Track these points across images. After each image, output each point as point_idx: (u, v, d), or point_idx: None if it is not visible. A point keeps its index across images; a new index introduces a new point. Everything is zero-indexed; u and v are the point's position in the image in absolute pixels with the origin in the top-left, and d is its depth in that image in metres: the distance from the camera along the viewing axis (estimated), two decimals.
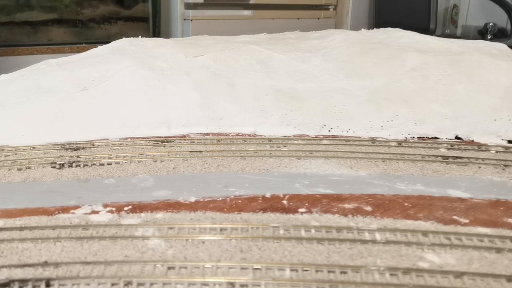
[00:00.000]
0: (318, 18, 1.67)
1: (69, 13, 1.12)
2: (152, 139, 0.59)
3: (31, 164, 0.51)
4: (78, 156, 0.53)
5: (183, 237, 0.37)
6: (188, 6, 1.28)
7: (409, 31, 0.82)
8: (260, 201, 0.43)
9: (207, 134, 0.62)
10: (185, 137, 0.60)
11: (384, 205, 0.43)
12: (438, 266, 0.34)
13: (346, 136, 0.61)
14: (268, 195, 0.45)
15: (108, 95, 0.63)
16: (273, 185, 0.47)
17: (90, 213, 0.41)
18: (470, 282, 0.32)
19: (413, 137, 0.62)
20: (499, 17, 1.54)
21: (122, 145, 0.57)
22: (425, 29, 1.47)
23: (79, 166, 0.51)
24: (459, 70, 0.68)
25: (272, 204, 0.43)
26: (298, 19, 1.60)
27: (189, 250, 0.35)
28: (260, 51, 0.73)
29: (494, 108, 0.62)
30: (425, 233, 0.38)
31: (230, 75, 0.68)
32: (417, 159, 0.54)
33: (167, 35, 1.28)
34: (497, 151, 0.57)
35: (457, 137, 0.62)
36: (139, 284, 0.32)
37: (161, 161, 0.53)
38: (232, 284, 0.32)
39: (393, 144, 0.59)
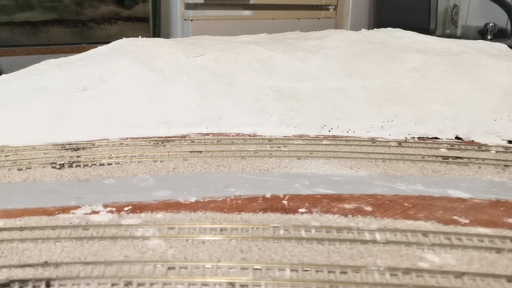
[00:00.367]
0: (318, 18, 1.67)
1: (69, 13, 1.12)
2: (152, 139, 0.59)
3: (31, 164, 0.51)
4: (78, 156, 0.53)
5: (183, 237, 0.37)
6: (188, 6, 1.28)
7: (409, 31, 0.82)
8: (260, 201, 0.43)
9: (207, 134, 0.62)
10: (185, 137, 0.60)
11: (384, 205, 0.43)
12: (438, 266, 0.34)
13: (346, 136, 0.61)
14: (268, 195, 0.45)
15: (108, 95, 0.64)
16: (273, 185, 0.47)
17: (90, 213, 0.41)
18: (470, 282, 0.32)
19: (413, 137, 0.62)
20: (499, 17, 1.54)
21: (122, 145, 0.57)
22: (425, 29, 1.47)
23: (79, 166, 0.51)
24: (459, 70, 0.68)
25: (272, 204, 0.43)
26: (298, 19, 1.60)
27: (189, 250, 0.35)
28: (260, 51, 0.73)
29: (494, 108, 0.62)
30: (425, 233, 0.38)
31: (230, 75, 0.68)
32: (417, 159, 0.54)
33: (167, 35, 1.28)
34: (497, 151, 0.57)
35: (457, 137, 0.62)
36: (139, 284, 0.32)
37: (161, 161, 0.53)
38: (232, 284, 0.32)
39: (393, 144, 0.59)
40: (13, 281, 0.31)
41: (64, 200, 0.43)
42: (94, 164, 0.52)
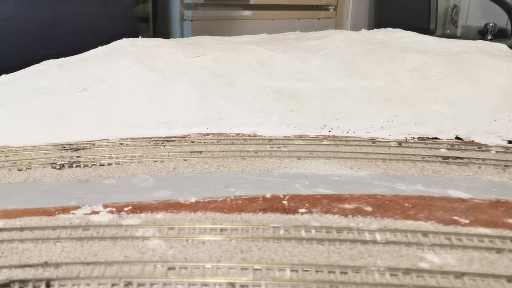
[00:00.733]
0: (318, 19, 1.67)
1: None
2: (152, 139, 0.59)
3: (31, 164, 0.51)
4: (78, 157, 0.53)
5: (183, 237, 0.37)
6: (188, 7, 1.28)
7: (409, 32, 0.82)
8: (260, 201, 0.43)
9: (207, 134, 0.62)
10: (185, 137, 0.60)
11: (384, 206, 0.43)
12: (439, 267, 0.34)
13: (346, 137, 0.61)
14: (268, 195, 0.45)
15: (108, 95, 0.64)
16: (273, 185, 0.47)
17: (90, 214, 0.41)
18: (470, 282, 0.32)
19: (413, 138, 0.62)
20: (499, 17, 1.54)
21: (122, 145, 0.57)
22: (425, 30, 1.47)
23: (79, 166, 0.51)
24: (459, 71, 0.68)
25: (272, 205, 0.43)
26: (298, 19, 1.60)
27: (189, 251, 0.35)
28: (260, 52, 0.73)
29: (494, 108, 0.62)
30: (425, 234, 0.38)
31: (230, 76, 0.68)
32: (418, 159, 0.54)
33: (167, 36, 1.28)
34: (497, 152, 0.57)
35: (457, 138, 0.62)
36: (139, 285, 0.32)
37: (161, 162, 0.53)
38: (232, 284, 0.32)
39: (393, 145, 0.59)
40: (13, 281, 0.31)
41: (64, 201, 0.43)
42: (94, 164, 0.52)
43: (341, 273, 0.33)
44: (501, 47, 0.76)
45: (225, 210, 0.42)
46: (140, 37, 0.77)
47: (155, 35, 1.26)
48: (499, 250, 0.36)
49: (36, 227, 0.38)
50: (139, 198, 0.44)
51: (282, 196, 0.44)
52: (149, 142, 0.58)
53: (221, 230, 0.38)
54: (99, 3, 0.90)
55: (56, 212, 0.41)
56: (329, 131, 0.63)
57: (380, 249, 0.36)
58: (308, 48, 0.77)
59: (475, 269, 0.34)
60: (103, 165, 0.52)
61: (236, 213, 0.41)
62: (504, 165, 0.53)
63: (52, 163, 0.51)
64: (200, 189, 0.46)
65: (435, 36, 0.90)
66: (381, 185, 0.47)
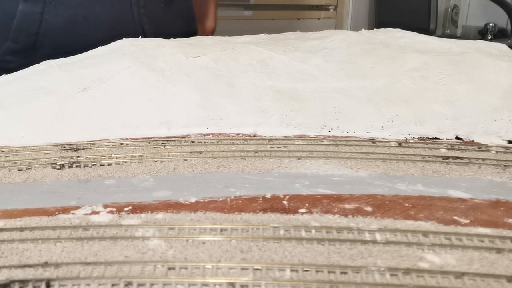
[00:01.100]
0: (318, 19, 1.67)
1: None
2: (152, 139, 0.59)
3: (31, 164, 0.51)
4: (78, 157, 0.53)
5: (183, 237, 0.37)
6: None
7: (409, 32, 0.82)
8: (261, 201, 0.43)
9: (207, 134, 0.62)
10: (185, 137, 0.60)
11: (384, 206, 0.43)
12: (439, 267, 0.34)
13: (346, 137, 0.61)
14: (268, 195, 0.45)
15: (108, 95, 0.64)
16: (274, 185, 0.47)
17: (90, 214, 0.41)
18: (470, 282, 0.32)
19: (414, 138, 0.62)
20: (499, 18, 1.54)
21: (122, 145, 0.57)
22: (425, 30, 1.47)
23: (79, 166, 0.51)
24: (460, 71, 0.68)
25: (272, 205, 0.43)
26: (298, 19, 1.60)
27: (189, 251, 0.35)
28: (260, 52, 0.73)
29: (495, 108, 0.62)
30: (425, 234, 0.38)
31: (230, 76, 0.68)
32: (418, 159, 0.54)
33: None
34: (497, 152, 0.57)
35: (457, 138, 0.62)
36: (139, 285, 0.32)
37: (161, 162, 0.53)
38: (232, 284, 0.32)
39: (393, 145, 0.59)
40: (13, 281, 0.31)
41: (64, 201, 0.43)
42: (94, 164, 0.52)
43: (341, 273, 0.33)
44: (501, 47, 0.76)
45: (225, 210, 0.42)
46: (140, 37, 0.77)
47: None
48: (499, 250, 0.36)
49: (36, 227, 0.38)
50: (139, 198, 0.44)
51: (282, 196, 0.44)
52: (149, 142, 0.58)
53: (221, 230, 0.38)
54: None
55: (56, 212, 0.41)
56: (329, 131, 0.63)
57: (380, 249, 0.36)
58: (308, 48, 0.77)
59: (475, 269, 0.34)
60: (103, 165, 0.52)
61: (236, 213, 0.41)
62: (504, 165, 0.53)
63: (52, 163, 0.51)
64: (200, 189, 0.46)
65: (435, 36, 0.90)
66: (381, 185, 0.47)
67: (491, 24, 1.52)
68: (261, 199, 0.44)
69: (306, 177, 0.49)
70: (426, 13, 1.54)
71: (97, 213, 0.41)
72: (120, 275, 0.32)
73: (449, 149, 0.58)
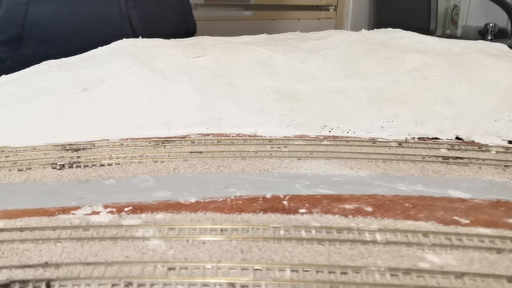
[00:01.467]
0: (319, 19, 1.67)
1: None
2: (152, 139, 0.59)
3: (31, 165, 0.51)
4: (78, 157, 0.53)
5: (183, 237, 0.37)
6: None
7: (409, 32, 0.82)
8: (261, 201, 0.43)
9: (208, 134, 0.62)
10: (185, 137, 0.60)
11: (384, 206, 0.43)
12: (439, 267, 0.34)
13: (346, 137, 0.61)
14: (268, 195, 0.45)
15: (109, 95, 0.64)
16: (274, 185, 0.47)
17: (90, 214, 0.41)
18: (470, 282, 0.32)
19: (414, 138, 0.62)
20: (499, 18, 1.54)
21: (122, 145, 0.57)
22: (425, 30, 1.47)
23: (80, 166, 0.51)
24: (460, 71, 0.68)
25: (272, 205, 0.43)
26: (299, 19, 1.60)
27: (189, 251, 0.35)
28: (261, 52, 0.73)
29: (495, 108, 0.62)
30: (425, 234, 0.38)
31: (230, 76, 0.68)
32: (418, 159, 0.54)
33: None
34: (497, 152, 0.57)
35: (457, 138, 0.62)
36: (139, 285, 0.32)
37: (162, 162, 0.53)
38: (232, 284, 0.32)
39: (393, 145, 0.59)
40: (14, 281, 0.31)
41: (65, 201, 0.43)
42: (95, 164, 0.52)
43: (342, 273, 0.33)
44: (501, 47, 0.77)
45: (225, 210, 0.42)
46: (140, 37, 0.77)
47: None
48: (499, 250, 0.36)
49: (36, 227, 0.38)
50: (139, 199, 0.44)
51: (282, 196, 0.44)
52: (149, 143, 0.58)
53: (222, 230, 0.38)
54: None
55: (57, 213, 0.41)
56: (329, 131, 0.63)
57: (380, 249, 0.36)
58: (308, 48, 0.77)
59: (475, 269, 0.34)
60: (103, 166, 0.52)
61: (237, 213, 0.41)
62: (505, 165, 0.53)
63: (52, 164, 0.51)
64: (200, 190, 0.46)
65: (435, 36, 0.90)
66: (381, 185, 0.47)
67: (491, 24, 1.52)
68: (261, 199, 0.44)
69: (306, 177, 0.49)
70: (426, 13, 1.54)
71: (97, 213, 0.41)
72: (120, 275, 0.32)
73: (449, 149, 0.58)
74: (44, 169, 0.51)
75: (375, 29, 0.88)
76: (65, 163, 0.52)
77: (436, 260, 0.35)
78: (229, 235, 0.37)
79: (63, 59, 0.71)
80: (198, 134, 0.62)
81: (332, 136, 0.62)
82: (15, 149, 0.55)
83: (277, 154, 0.55)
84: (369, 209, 0.42)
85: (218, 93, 0.65)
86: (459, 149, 0.58)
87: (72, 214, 0.41)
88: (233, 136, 0.61)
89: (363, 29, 0.88)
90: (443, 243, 0.37)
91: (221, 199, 0.44)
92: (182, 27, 0.99)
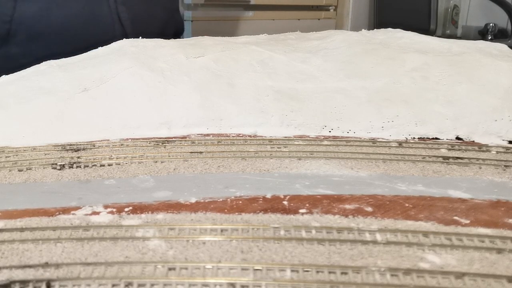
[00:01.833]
0: (319, 19, 1.67)
1: None
2: (152, 140, 0.59)
3: (31, 165, 0.51)
4: (78, 157, 0.53)
5: (183, 238, 0.37)
6: (189, 7, 1.28)
7: (409, 32, 0.82)
8: (261, 201, 0.43)
9: (208, 134, 0.62)
10: (185, 138, 0.60)
11: (384, 206, 0.43)
12: (439, 267, 0.34)
13: (346, 137, 0.61)
14: (268, 195, 0.45)
15: (109, 96, 0.64)
16: (274, 185, 0.47)
17: (90, 214, 0.41)
18: (471, 282, 0.32)
19: (414, 138, 0.62)
20: (499, 18, 1.54)
21: (122, 146, 0.57)
22: (425, 30, 1.47)
23: (80, 167, 0.51)
24: (460, 71, 0.68)
25: (272, 205, 0.43)
26: (299, 20, 1.60)
27: (189, 251, 0.35)
28: (261, 52, 0.73)
29: (495, 108, 0.62)
30: (426, 234, 0.38)
31: (230, 76, 0.68)
32: (418, 159, 0.54)
33: None
34: (497, 152, 0.57)
35: (457, 138, 0.62)
36: (140, 285, 0.32)
37: (162, 162, 0.53)
38: (233, 285, 0.32)
39: (393, 145, 0.59)
40: (14, 282, 0.31)
41: (65, 201, 0.43)
42: (95, 164, 0.52)
43: (342, 273, 0.33)
44: (501, 47, 0.77)
45: (226, 210, 0.42)
46: (140, 37, 0.77)
47: None
48: (499, 251, 0.36)
49: (36, 227, 0.38)
50: (140, 199, 0.44)
51: (282, 197, 0.44)
52: (149, 143, 0.58)
53: (222, 230, 0.38)
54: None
55: (57, 213, 0.41)
56: (330, 131, 0.63)
57: (380, 249, 0.36)
58: (308, 48, 0.77)
59: (475, 269, 0.34)
60: (104, 166, 0.52)
61: (237, 213, 0.41)
62: (505, 165, 0.53)
63: (52, 164, 0.52)
64: (200, 190, 0.46)
65: (436, 36, 0.90)
66: (382, 186, 0.47)
67: (491, 24, 1.52)
68: (261, 199, 0.44)
69: (306, 178, 0.49)
70: (426, 13, 1.54)
71: (98, 213, 0.41)
72: (121, 276, 0.32)
73: (449, 149, 0.58)
74: (44, 169, 0.51)
75: (375, 29, 0.88)
76: (65, 163, 0.52)
77: (437, 260, 0.35)
78: (229, 235, 0.37)
79: (63, 59, 0.71)
80: (198, 134, 0.62)
81: (332, 136, 0.62)
82: (15, 149, 0.55)
83: (277, 154, 0.55)
84: (369, 209, 0.42)
85: (218, 93, 0.65)
86: (459, 149, 0.58)
87: (72, 214, 0.41)
88: (233, 136, 0.61)
89: (363, 29, 0.88)
90: (443, 243, 0.37)
91: (221, 199, 0.44)
92: (171, 25, 0.98)
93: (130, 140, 0.59)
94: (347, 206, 0.43)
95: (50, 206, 0.42)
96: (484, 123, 0.62)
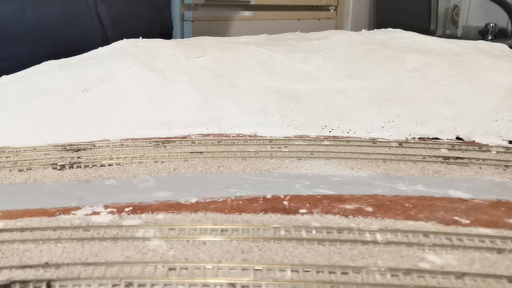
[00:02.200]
0: (319, 19, 1.67)
1: None
2: (152, 140, 0.59)
3: (32, 165, 0.51)
4: (79, 157, 0.53)
5: (184, 238, 0.37)
6: (189, 7, 1.28)
7: (409, 32, 0.82)
8: (261, 202, 0.43)
9: (208, 135, 0.62)
10: (185, 138, 0.60)
11: (385, 206, 0.43)
12: (439, 267, 0.34)
13: (347, 137, 0.61)
14: (269, 196, 0.45)
15: (109, 96, 0.64)
16: (274, 186, 0.47)
17: (91, 214, 0.41)
18: (471, 282, 0.32)
19: (414, 138, 0.62)
20: (499, 18, 1.53)
21: (122, 146, 0.57)
22: (425, 30, 1.47)
23: (80, 167, 0.51)
24: (460, 71, 0.68)
25: (273, 205, 0.43)
26: (299, 20, 1.60)
27: (190, 251, 0.35)
28: (261, 52, 0.73)
29: (495, 108, 0.62)
30: (426, 234, 0.38)
31: (230, 76, 0.68)
32: (418, 159, 0.54)
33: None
34: (498, 152, 0.57)
35: (458, 138, 0.62)
36: (140, 285, 0.32)
37: (162, 162, 0.53)
38: (233, 285, 0.32)
39: (394, 145, 0.59)
40: (14, 282, 0.31)
41: (65, 201, 0.43)
42: (95, 165, 0.52)
43: (342, 273, 0.33)
44: (501, 47, 0.76)
45: (226, 210, 0.42)
46: (140, 37, 0.77)
47: None
48: (500, 251, 0.36)
49: (36, 227, 0.38)
50: (140, 199, 0.44)
51: (282, 197, 0.44)
52: (149, 143, 0.58)
53: (222, 230, 0.38)
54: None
55: (57, 213, 0.41)
56: (330, 131, 0.63)
57: (381, 249, 0.36)
58: (309, 48, 0.77)
59: (476, 269, 0.34)
60: (104, 166, 0.52)
61: (237, 213, 0.41)
62: (505, 165, 0.53)
63: (52, 164, 0.52)
64: (200, 190, 0.46)
65: (436, 36, 0.90)
66: (382, 186, 0.47)
67: (491, 24, 1.52)
68: (261, 199, 0.44)
69: (306, 178, 0.49)
70: (427, 13, 1.54)
71: (98, 213, 0.41)
72: (121, 276, 0.32)
73: (449, 149, 0.58)
74: (45, 169, 0.51)
75: (375, 29, 0.88)
76: (66, 164, 0.52)
77: (437, 260, 0.35)
78: (230, 236, 0.37)
79: (64, 59, 0.71)
80: (199, 134, 0.62)
81: (333, 136, 0.62)
82: (15, 150, 0.55)
83: (278, 154, 0.55)
84: (370, 209, 0.42)
85: (218, 93, 0.66)
86: (459, 149, 0.58)
87: (73, 214, 0.41)
88: (234, 137, 0.61)
89: (363, 29, 0.88)
90: (443, 243, 0.37)
91: (221, 200, 0.44)
92: (157, 24, 0.96)
93: (130, 140, 0.59)
94: (348, 206, 0.43)
95: (50, 206, 0.42)
96: (485, 123, 0.62)
